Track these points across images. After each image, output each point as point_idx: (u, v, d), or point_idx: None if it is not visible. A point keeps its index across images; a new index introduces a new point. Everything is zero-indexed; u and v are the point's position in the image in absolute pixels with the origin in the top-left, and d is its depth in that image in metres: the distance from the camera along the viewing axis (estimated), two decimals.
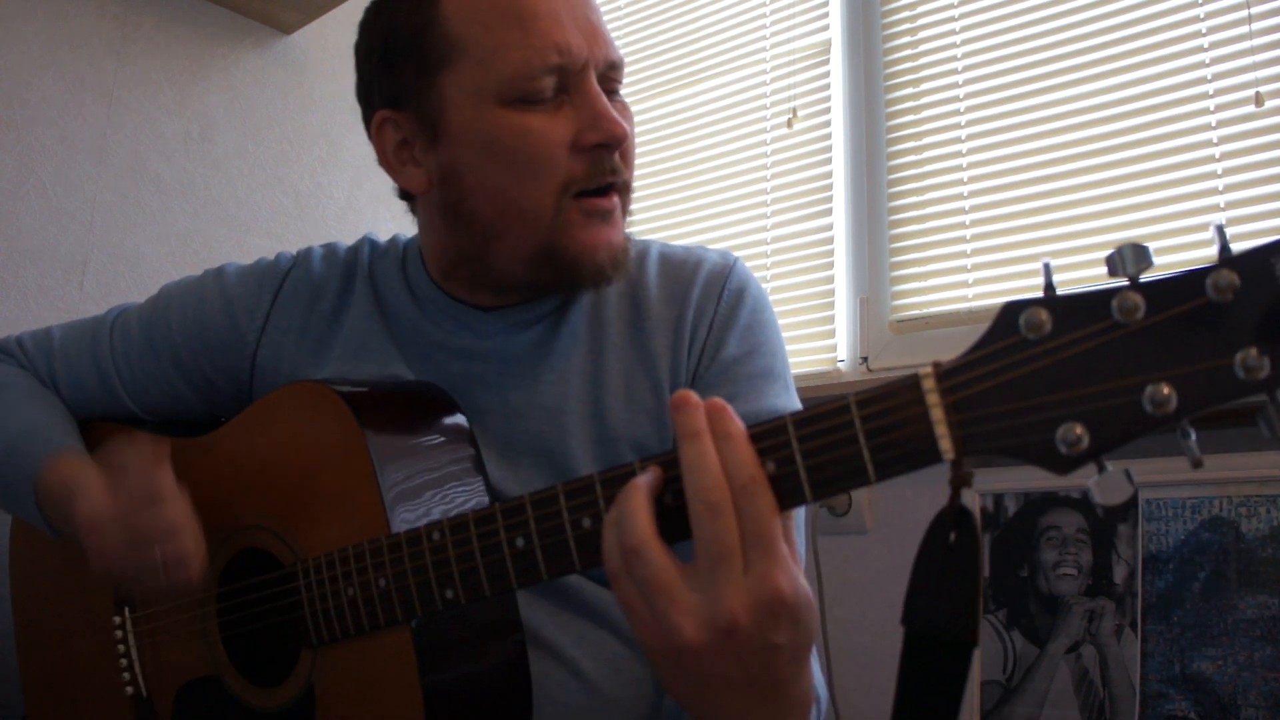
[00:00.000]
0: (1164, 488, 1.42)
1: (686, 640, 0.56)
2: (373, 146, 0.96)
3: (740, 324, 0.94)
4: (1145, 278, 0.49)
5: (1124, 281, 0.49)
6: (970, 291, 1.75)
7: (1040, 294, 0.52)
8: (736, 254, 1.00)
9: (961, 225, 1.79)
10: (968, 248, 1.77)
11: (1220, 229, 0.48)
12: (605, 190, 0.87)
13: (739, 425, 0.58)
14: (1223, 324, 0.47)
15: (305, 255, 1.04)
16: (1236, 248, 0.48)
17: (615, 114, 0.86)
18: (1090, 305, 0.50)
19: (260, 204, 1.90)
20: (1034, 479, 1.54)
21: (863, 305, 1.89)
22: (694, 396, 0.58)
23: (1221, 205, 1.52)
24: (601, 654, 0.88)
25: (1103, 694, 1.42)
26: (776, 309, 1.97)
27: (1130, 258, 0.49)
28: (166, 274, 1.74)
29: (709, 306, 0.93)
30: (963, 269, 1.77)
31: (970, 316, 1.74)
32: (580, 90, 0.86)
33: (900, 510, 1.70)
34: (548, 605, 0.87)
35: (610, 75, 0.89)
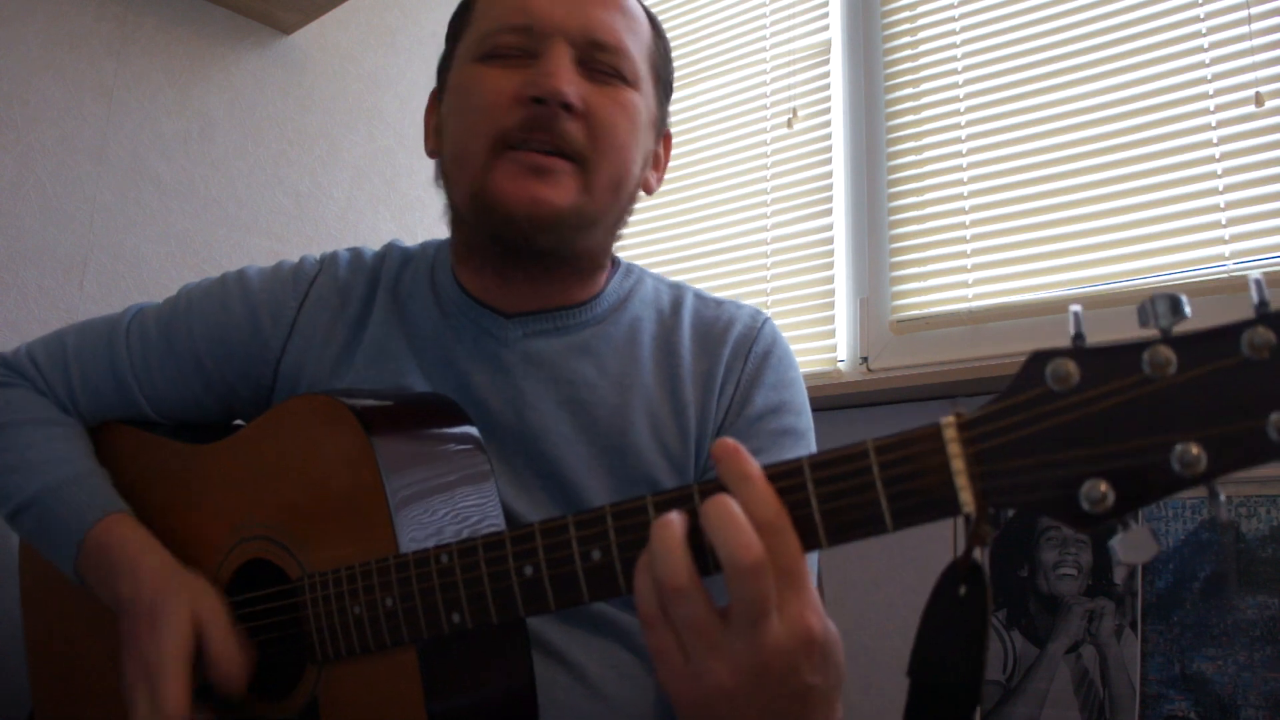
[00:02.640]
0: None
1: (720, 684, 0.55)
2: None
3: (767, 382, 0.95)
4: (1178, 330, 0.47)
5: (1155, 333, 0.48)
6: (970, 292, 1.75)
7: (1068, 344, 0.50)
8: (766, 314, 1.02)
9: (961, 225, 1.79)
10: (968, 248, 1.77)
11: (1259, 283, 0.46)
12: (546, 151, 0.86)
13: (756, 467, 0.56)
14: (1257, 383, 0.45)
15: (331, 260, 1.04)
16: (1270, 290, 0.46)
17: (565, 76, 0.86)
18: (1120, 359, 0.48)
19: (260, 204, 1.90)
20: None
21: (863, 305, 1.89)
22: (734, 444, 0.57)
23: (1221, 205, 1.52)
24: (606, 659, 0.87)
25: (1103, 694, 1.42)
26: (776, 309, 1.98)
27: (1164, 309, 0.47)
28: (166, 274, 1.74)
29: (737, 364, 0.95)
30: (963, 269, 1.77)
31: (970, 317, 1.74)
32: (542, 54, 0.87)
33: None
34: (555, 616, 0.86)
35: (600, 57, 0.90)
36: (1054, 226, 1.67)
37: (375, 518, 0.77)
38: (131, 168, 1.74)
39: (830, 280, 1.94)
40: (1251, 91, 1.51)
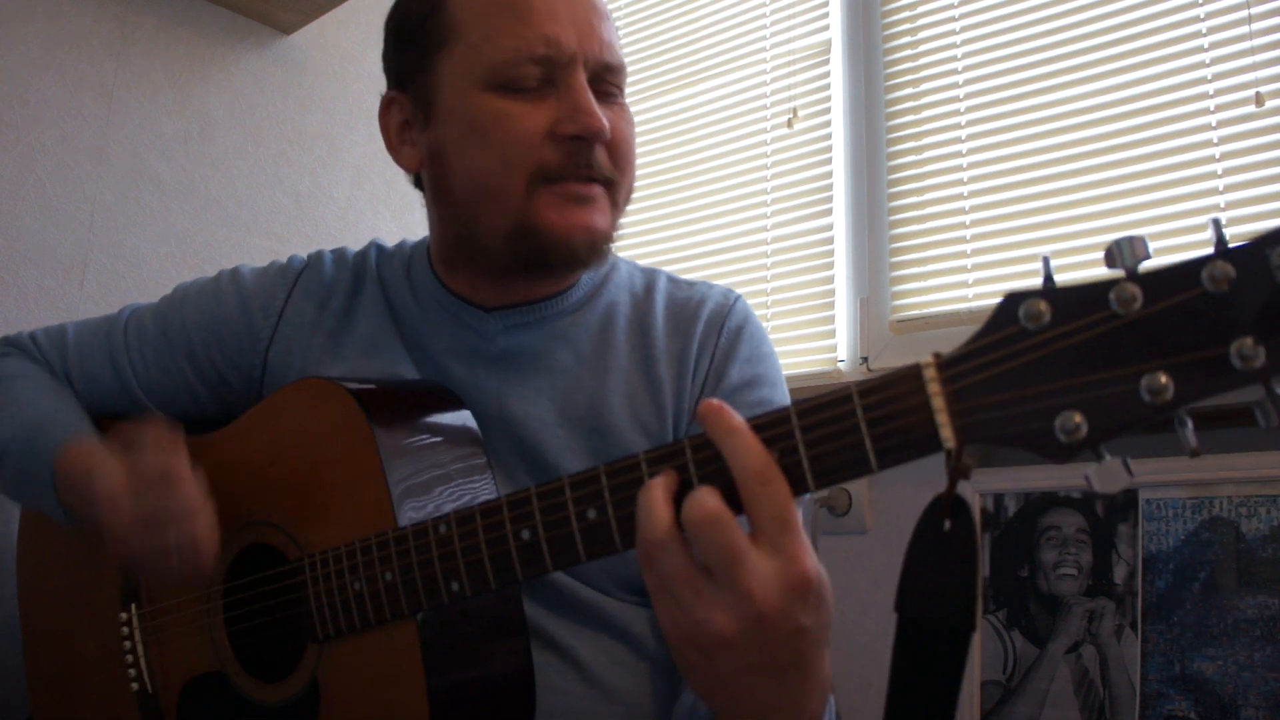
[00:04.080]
0: (1164, 488, 1.42)
1: (717, 631, 0.56)
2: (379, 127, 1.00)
3: (740, 356, 0.97)
4: (1143, 268, 0.50)
5: (1122, 273, 0.50)
6: (970, 291, 1.75)
7: (1040, 286, 0.52)
8: (738, 292, 1.04)
9: (961, 225, 1.79)
10: (968, 248, 1.77)
11: (1217, 222, 0.48)
12: (583, 180, 0.89)
13: (740, 420, 0.58)
14: (1219, 314, 0.47)
15: (316, 257, 1.08)
16: (1231, 239, 0.48)
17: (597, 110, 0.87)
18: (1088, 296, 0.50)
19: (260, 204, 1.90)
20: (1034, 479, 1.54)
21: (863, 305, 1.89)
22: (717, 403, 0.59)
23: (1222, 205, 1.52)
24: (598, 645, 0.89)
25: (1103, 694, 1.42)
26: (776, 309, 1.98)
27: (1128, 250, 0.49)
28: (166, 274, 1.74)
29: (710, 340, 0.97)
30: (963, 269, 1.77)
31: (970, 316, 1.74)
32: (565, 84, 0.88)
33: (900, 510, 1.70)
34: (543, 604, 0.88)
35: (607, 78, 0.91)
36: (1054, 226, 1.67)
37: (374, 494, 0.78)
38: (131, 168, 1.74)
39: (830, 280, 1.94)
40: (1251, 91, 1.51)
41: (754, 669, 0.58)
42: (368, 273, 1.05)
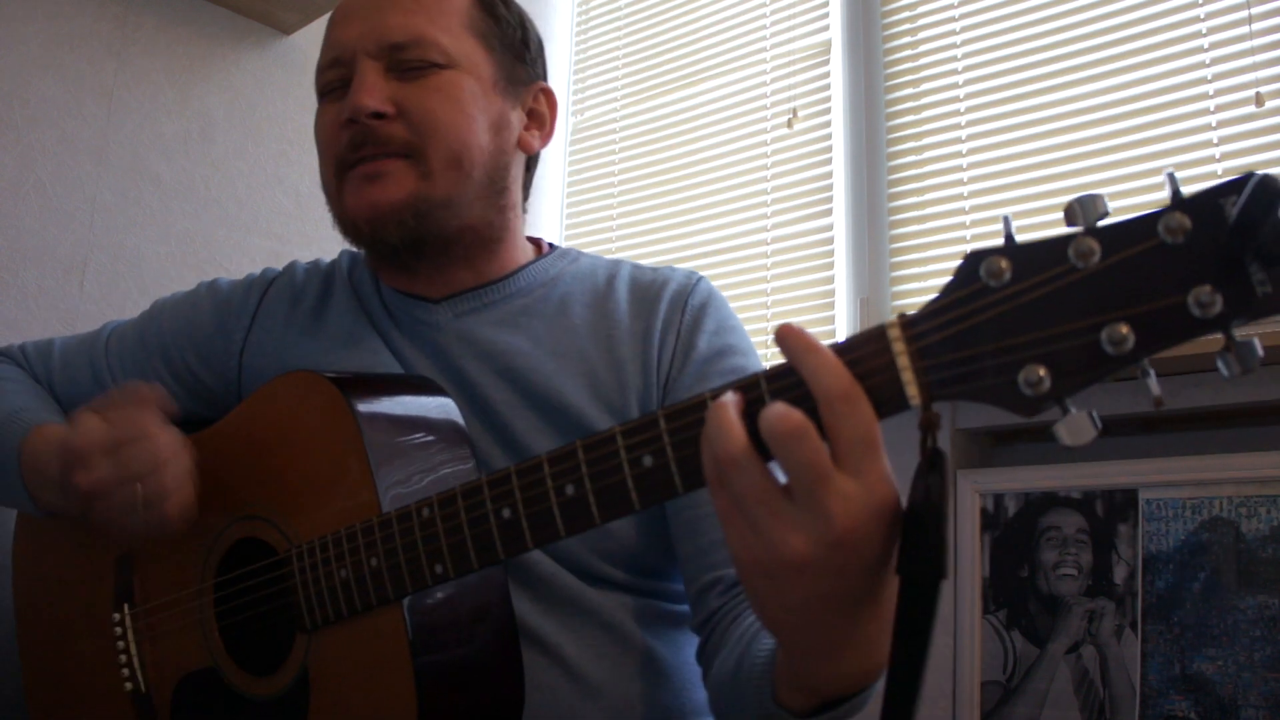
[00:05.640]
0: (1164, 488, 1.42)
1: (794, 554, 0.54)
2: None
3: (707, 329, 0.98)
4: (1101, 224, 0.50)
5: (1081, 228, 0.51)
6: None
7: (1000, 244, 0.53)
8: (700, 272, 1.06)
9: (961, 225, 1.79)
10: (968, 248, 1.77)
11: (1172, 176, 0.49)
12: (372, 159, 0.94)
13: (817, 340, 0.56)
14: (1176, 264, 0.48)
15: (290, 266, 1.13)
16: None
17: (360, 89, 0.93)
18: (1048, 251, 0.51)
19: (260, 204, 1.90)
20: (1034, 479, 1.54)
21: (863, 305, 1.89)
22: (794, 326, 0.57)
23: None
24: (582, 639, 0.89)
25: (1103, 694, 1.42)
26: (776, 309, 1.98)
27: (1087, 207, 0.51)
28: (166, 274, 1.74)
29: (675, 317, 0.98)
30: None
31: None
32: (352, 76, 0.95)
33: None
34: (527, 597, 0.89)
35: (400, 57, 0.95)
36: (1054, 226, 1.67)
37: (359, 484, 0.79)
38: (131, 168, 1.74)
39: (830, 280, 1.94)
40: (1251, 91, 1.51)
41: (827, 599, 0.56)
42: (337, 278, 1.09)
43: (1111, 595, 1.44)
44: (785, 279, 2.01)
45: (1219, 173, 1.53)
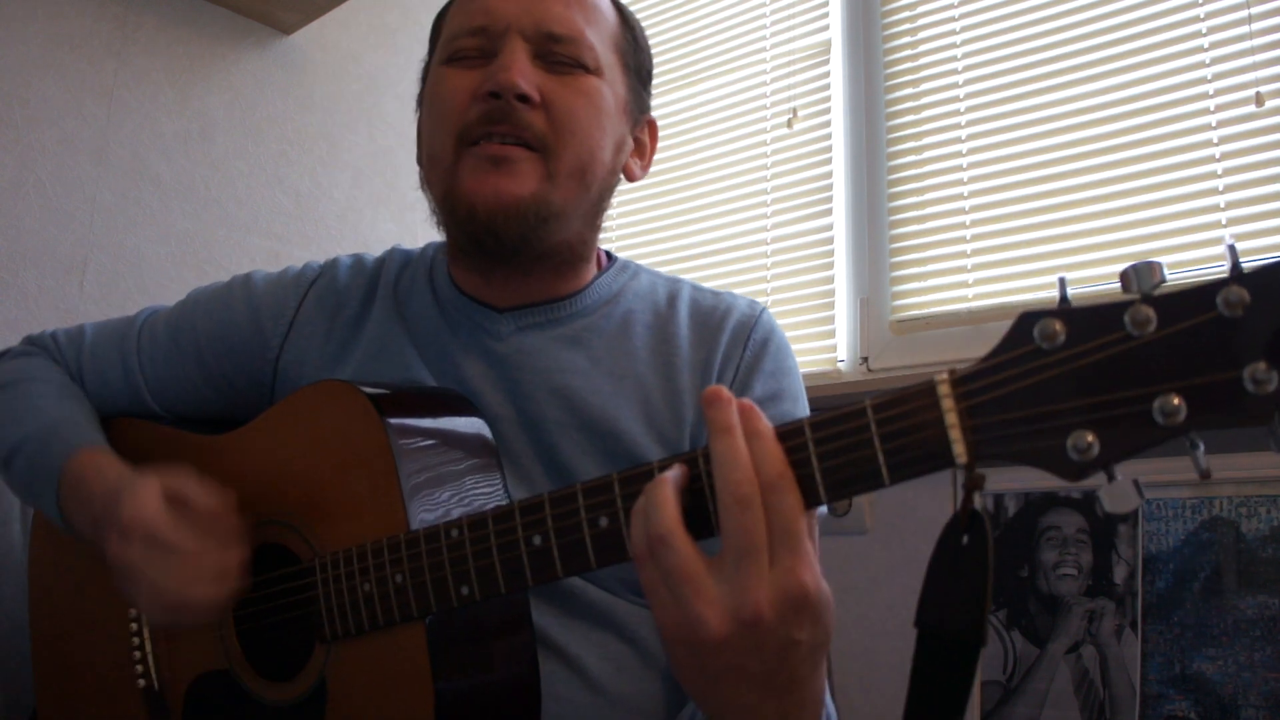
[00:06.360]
0: (1164, 488, 1.42)
1: (710, 631, 0.56)
2: None
3: (765, 370, 0.96)
4: (1158, 292, 0.50)
5: (1137, 295, 0.50)
6: (970, 292, 1.75)
7: (1055, 305, 0.53)
8: (762, 303, 1.04)
9: (961, 225, 1.79)
10: (968, 248, 1.77)
11: (1233, 248, 0.49)
12: (503, 141, 0.89)
13: (767, 424, 0.59)
14: (1233, 338, 0.47)
15: (332, 265, 1.08)
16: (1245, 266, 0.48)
17: (515, 67, 0.88)
18: (1103, 317, 0.51)
19: (260, 204, 1.90)
20: (1034, 479, 1.54)
21: (863, 305, 1.89)
22: (726, 392, 0.59)
23: (1222, 205, 1.52)
24: (604, 652, 0.89)
25: (1103, 694, 1.42)
26: (776, 309, 1.98)
27: (1144, 274, 0.50)
28: (166, 274, 1.74)
29: (736, 352, 0.96)
30: (963, 269, 1.77)
31: (970, 317, 1.74)
32: (499, 52, 0.91)
33: (900, 511, 1.70)
34: (551, 608, 0.88)
35: (554, 49, 0.92)
36: (1054, 226, 1.67)
37: (387, 498, 0.78)
38: (131, 168, 1.74)
39: (830, 280, 1.94)
40: (1251, 91, 1.51)
41: (744, 675, 0.58)
42: (383, 279, 1.04)
43: (1111, 595, 1.44)
44: (785, 279, 2.01)
45: (1219, 172, 1.53)
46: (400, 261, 1.06)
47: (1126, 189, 1.61)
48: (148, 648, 0.94)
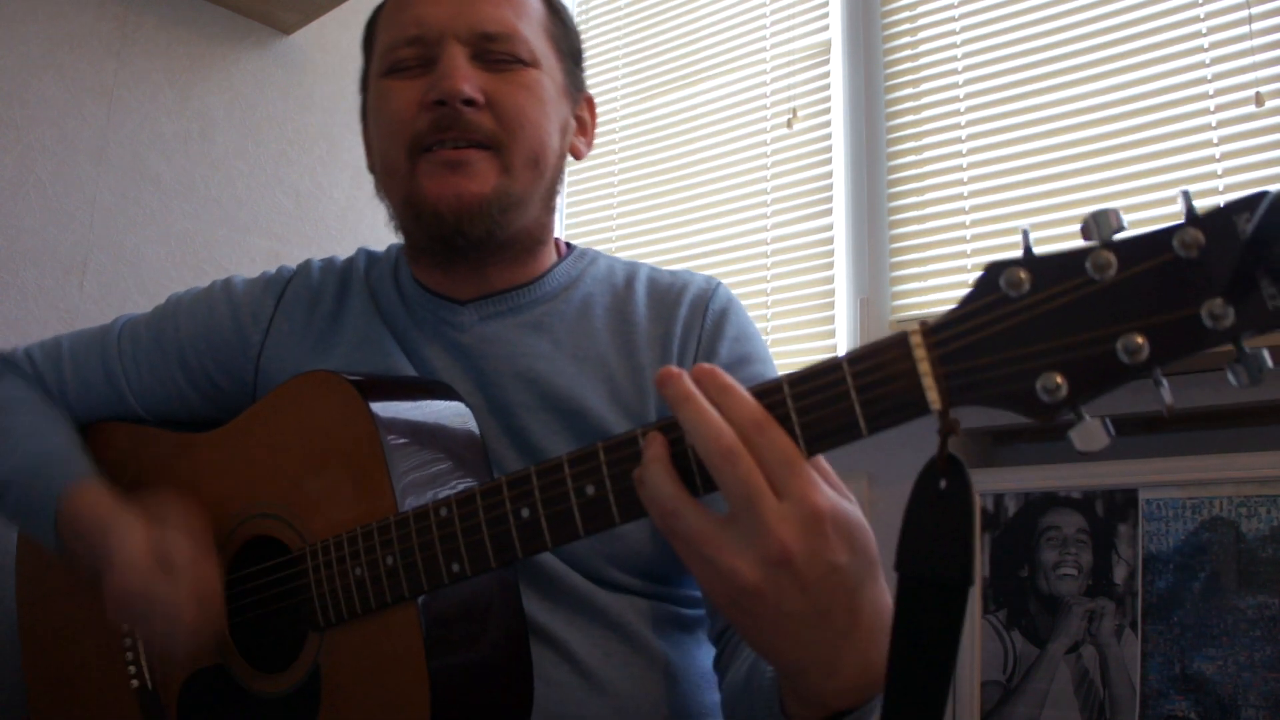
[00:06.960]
0: (1164, 488, 1.42)
1: (746, 580, 0.57)
2: None
3: (729, 335, 0.99)
4: (1118, 238, 0.52)
5: (1097, 242, 0.52)
6: None
7: (1020, 255, 0.55)
8: (718, 279, 1.06)
9: (961, 225, 1.79)
10: (968, 248, 1.77)
11: (1186, 194, 0.52)
12: (455, 145, 0.92)
13: (730, 380, 0.59)
14: (1190, 278, 0.50)
15: (305, 265, 1.12)
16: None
17: (457, 73, 0.91)
18: (1066, 263, 0.53)
19: (260, 204, 1.90)
20: (1034, 479, 1.54)
21: (863, 305, 1.89)
22: (674, 368, 0.60)
23: (1221, 206, 1.52)
24: (590, 638, 0.90)
25: (1103, 694, 1.42)
26: (776, 309, 1.98)
27: (1103, 222, 0.52)
28: (166, 274, 1.74)
29: (696, 322, 0.99)
30: (963, 269, 1.77)
31: None
32: (438, 59, 0.94)
33: (900, 507, 1.70)
34: (535, 592, 0.89)
35: (491, 48, 0.95)
36: (1055, 226, 1.67)
37: (376, 484, 0.79)
38: (131, 168, 1.74)
39: (830, 280, 1.94)
40: (1251, 91, 1.51)
41: (800, 620, 0.58)
42: (354, 279, 1.07)
43: (1111, 595, 1.44)
44: (785, 279, 2.01)
45: (1219, 172, 1.53)
46: (366, 261, 1.10)
47: (1127, 189, 1.61)
48: (140, 646, 0.94)
